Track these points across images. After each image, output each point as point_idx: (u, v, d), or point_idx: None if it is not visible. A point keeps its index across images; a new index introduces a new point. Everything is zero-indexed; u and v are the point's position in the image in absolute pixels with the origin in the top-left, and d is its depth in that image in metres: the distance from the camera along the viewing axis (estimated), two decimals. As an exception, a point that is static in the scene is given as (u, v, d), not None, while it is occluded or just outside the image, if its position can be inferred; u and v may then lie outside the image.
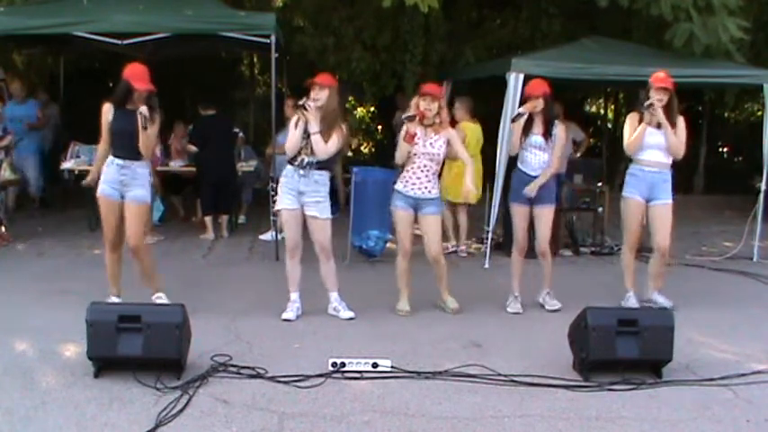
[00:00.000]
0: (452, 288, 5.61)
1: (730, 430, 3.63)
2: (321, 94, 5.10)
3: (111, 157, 5.08)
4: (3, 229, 7.75)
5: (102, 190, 5.08)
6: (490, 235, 7.27)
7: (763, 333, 5.19)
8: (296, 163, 5.17)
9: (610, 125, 13.76)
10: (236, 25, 7.18)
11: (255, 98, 13.63)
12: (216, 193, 8.16)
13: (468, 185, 5.37)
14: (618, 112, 13.89)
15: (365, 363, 4.22)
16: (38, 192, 9.39)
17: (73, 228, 8.43)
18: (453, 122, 6.43)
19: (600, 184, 8.25)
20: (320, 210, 5.20)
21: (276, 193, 5.46)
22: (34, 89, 10.10)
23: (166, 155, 8.89)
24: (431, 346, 4.76)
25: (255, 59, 13.25)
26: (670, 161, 5.55)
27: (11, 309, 5.38)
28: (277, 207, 5.36)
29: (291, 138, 5.15)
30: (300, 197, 5.19)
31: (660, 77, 5.44)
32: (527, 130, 5.50)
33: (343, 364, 4.21)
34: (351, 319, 5.26)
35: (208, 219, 8.24)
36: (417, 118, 5.24)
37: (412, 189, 5.35)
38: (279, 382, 4.05)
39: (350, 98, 13.41)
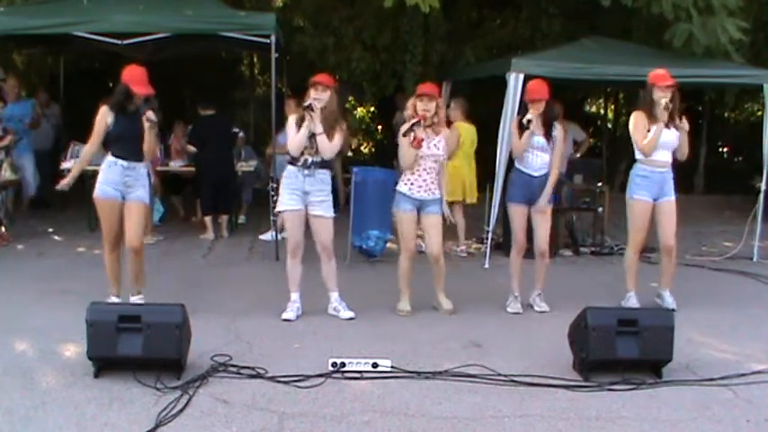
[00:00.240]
0: (452, 288, 5.61)
1: (730, 430, 3.63)
2: (324, 95, 5.11)
3: (112, 159, 5.07)
4: (3, 229, 7.75)
5: (104, 191, 5.06)
6: (490, 235, 7.27)
7: (763, 333, 5.19)
8: (299, 163, 5.17)
9: (610, 125, 13.76)
10: (236, 25, 7.18)
11: (255, 98, 13.61)
12: (216, 193, 8.16)
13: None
14: (618, 112, 13.90)
15: (365, 363, 4.22)
16: (32, 191, 9.32)
17: (72, 228, 8.43)
18: (448, 123, 6.42)
19: (600, 184, 8.26)
20: (325, 208, 5.22)
21: (276, 194, 5.45)
22: (34, 89, 10.07)
23: (166, 155, 8.89)
24: (431, 346, 4.76)
25: (255, 59, 13.24)
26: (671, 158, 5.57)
27: (11, 309, 5.38)
28: (280, 208, 5.32)
29: (295, 138, 5.13)
30: (306, 197, 5.19)
31: (661, 75, 5.44)
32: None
33: (344, 364, 4.21)
34: (351, 319, 5.26)
35: (208, 219, 8.24)
36: (421, 122, 5.19)
37: (418, 191, 5.34)
38: (279, 382, 4.05)
39: (350, 98, 13.41)
